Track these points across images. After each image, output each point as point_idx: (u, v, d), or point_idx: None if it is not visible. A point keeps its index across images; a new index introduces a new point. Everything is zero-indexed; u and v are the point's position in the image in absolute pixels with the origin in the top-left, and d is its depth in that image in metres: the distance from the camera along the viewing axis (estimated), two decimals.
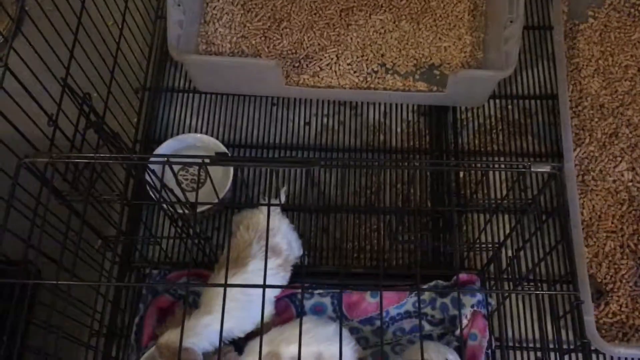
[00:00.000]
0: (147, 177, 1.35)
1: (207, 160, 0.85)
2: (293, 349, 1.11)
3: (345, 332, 1.17)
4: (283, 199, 1.27)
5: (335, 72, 1.57)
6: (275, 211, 1.23)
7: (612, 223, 1.39)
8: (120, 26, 1.36)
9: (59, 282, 0.88)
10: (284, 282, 1.23)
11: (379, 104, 1.61)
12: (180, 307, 1.25)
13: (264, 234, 1.18)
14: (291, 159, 0.79)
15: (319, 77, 1.57)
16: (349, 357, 1.14)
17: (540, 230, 0.98)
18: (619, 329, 1.30)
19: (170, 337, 1.13)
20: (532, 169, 0.86)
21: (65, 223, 1.05)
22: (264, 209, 1.23)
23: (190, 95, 1.60)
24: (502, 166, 0.92)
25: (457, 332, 1.26)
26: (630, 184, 1.43)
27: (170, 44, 1.39)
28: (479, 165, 1.36)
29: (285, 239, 1.24)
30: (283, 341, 1.12)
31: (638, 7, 1.62)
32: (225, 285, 0.86)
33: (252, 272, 1.15)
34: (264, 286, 0.86)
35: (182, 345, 1.10)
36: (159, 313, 1.28)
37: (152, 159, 1.25)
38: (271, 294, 1.22)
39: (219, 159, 0.84)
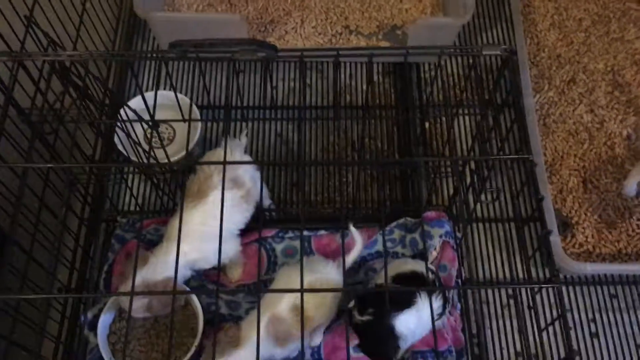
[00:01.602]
0: (117, 133, 1.36)
1: (172, 55, 0.85)
2: (288, 300, 1.08)
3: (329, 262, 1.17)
4: (244, 140, 1.27)
5: (301, 34, 1.61)
6: (238, 147, 1.24)
7: (574, 162, 1.43)
8: None
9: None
10: (247, 215, 1.22)
11: (344, 66, 1.65)
12: (142, 249, 1.23)
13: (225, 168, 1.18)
14: (249, 43, 0.80)
15: (284, 39, 1.60)
16: (337, 277, 1.14)
17: (497, 128, 1.00)
18: (586, 258, 1.32)
19: (137, 277, 1.12)
20: (483, 52, 0.89)
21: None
22: (225, 145, 1.24)
23: (156, 63, 1.62)
24: (457, 51, 0.93)
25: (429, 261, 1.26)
26: (589, 124, 1.47)
27: (135, 3, 1.42)
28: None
29: (248, 173, 1.24)
30: (275, 299, 1.10)
31: None
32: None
33: (213, 202, 1.14)
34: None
35: (160, 280, 1.11)
36: (127, 258, 1.27)
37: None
38: (235, 226, 1.21)
39: (178, 50, 0.85)
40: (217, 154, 1.22)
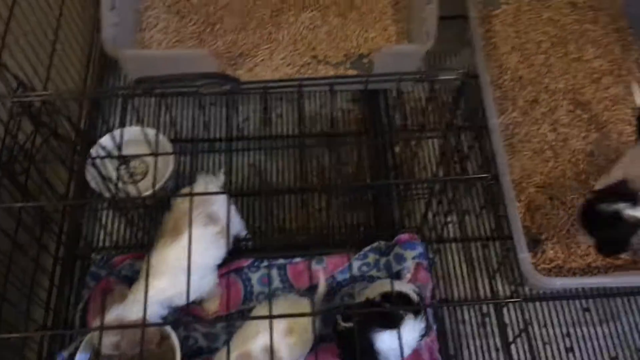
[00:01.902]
0: (89, 171, 1.38)
1: (138, 92, 0.88)
2: (261, 339, 1.09)
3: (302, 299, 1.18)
4: (222, 177, 1.29)
5: (270, 66, 1.64)
6: (213, 182, 1.26)
7: (540, 179, 1.46)
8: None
9: None
10: (224, 251, 1.23)
11: (314, 95, 1.68)
12: (117, 286, 1.23)
13: (200, 203, 1.20)
14: (212, 77, 0.83)
15: (254, 72, 1.63)
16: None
17: (459, 150, 1.03)
18: (557, 273, 1.34)
19: (112, 314, 1.12)
20: (439, 77, 0.92)
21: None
22: (201, 180, 1.26)
23: (130, 98, 1.64)
24: (415, 77, 0.96)
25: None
26: (553, 142, 1.51)
27: (105, 41, 1.45)
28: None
29: (223, 208, 1.25)
30: (249, 337, 1.11)
31: None
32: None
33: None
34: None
35: (134, 319, 1.11)
36: (102, 295, 1.27)
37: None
38: (212, 261, 1.22)
39: (144, 86, 0.87)
40: (196, 188, 1.23)
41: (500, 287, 1.40)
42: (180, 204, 1.21)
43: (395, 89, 1.64)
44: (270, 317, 0.81)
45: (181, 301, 1.18)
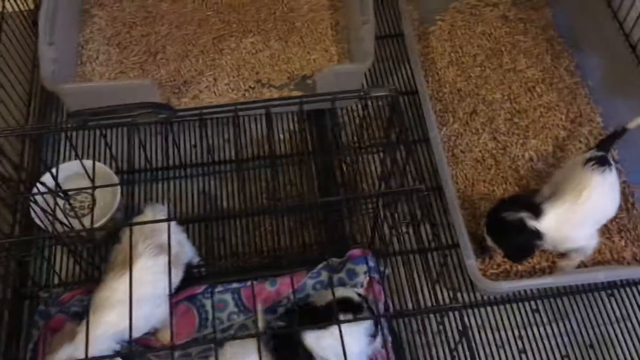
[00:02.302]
0: (33, 208, 1.35)
1: (69, 125, 0.87)
2: None
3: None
4: (164, 207, 1.29)
5: (214, 92, 1.66)
6: (161, 212, 1.26)
7: (484, 187, 1.51)
8: None
9: None
10: (176, 280, 1.23)
11: (261, 119, 1.70)
12: (68, 323, 1.21)
13: (149, 233, 1.20)
14: (147, 107, 0.84)
15: (199, 99, 1.64)
16: None
17: (396, 164, 1.06)
18: (505, 277, 1.38)
19: (63, 354, 1.10)
20: (371, 94, 0.96)
21: None
22: (148, 212, 1.26)
23: (74, 133, 1.62)
24: (348, 95, 0.99)
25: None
26: (494, 151, 1.56)
27: (44, 76, 1.44)
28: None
29: (174, 236, 1.25)
30: None
31: (477, 7, 1.83)
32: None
33: (140, 270, 1.15)
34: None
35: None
36: (53, 334, 1.25)
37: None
38: (164, 292, 1.21)
39: (77, 119, 0.87)
40: (143, 217, 1.23)
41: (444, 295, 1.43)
42: (129, 236, 1.21)
43: (340, 107, 1.68)
44: (215, 341, 0.81)
45: (135, 334, 1.17)
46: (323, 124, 1.67)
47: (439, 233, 0.98)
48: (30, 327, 1.28)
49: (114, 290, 1.13)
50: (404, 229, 1.40)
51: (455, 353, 0.99)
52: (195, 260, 1.39)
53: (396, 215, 1.16)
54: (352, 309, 1.10)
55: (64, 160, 1.57)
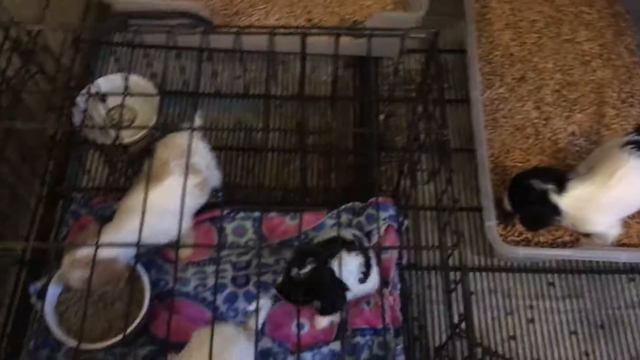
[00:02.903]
0: (76, 113, 1.40)
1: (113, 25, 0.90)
2: None
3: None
4: (199, 121, 1.32)
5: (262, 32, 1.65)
6: (195, 133, 1.28)
7: (519, 155, 1.48)
8: None
9: None
10: (200, 202, 1.27)
11: (307, 59, 1.70)
12: (93, 223, 1.27)
13: (182, 153, 1.23)
14: (189, 17, 0.85)
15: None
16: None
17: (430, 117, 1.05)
18: (524, 245, 1.36)
19: (85, 250, 1.15)
20: (410, 35, 0.95)
21: None
22: (184, 133, 1.29)
23: (124, 48, 1.66)
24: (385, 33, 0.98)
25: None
26: (536, 120, 1.52)
27: None
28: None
29: (204, 160, 1.29)
30: None
31: None
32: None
33: (169, 187, 1.19)
34: None
35: (106, 256, 1.14)
36: (80, 233, 1.31)
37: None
38: (187, 210, 1.24)
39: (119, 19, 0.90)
40: (175, 138, 1.26)
41: (469, 257, 1.43)
42: (162, 152, 1.24)
43: (391, 57, 1.66)
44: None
45: (153, 242, 1.21)
46: (366, 72, 1.66)
47: (453, 190, 0.97)
48: (61, 224, 1.34)
49: (140, 200, 1.17)
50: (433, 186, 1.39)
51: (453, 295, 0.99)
52: (219, 179, 1.41)
53: (420, 169, 1.15)
54: (346, 246, 1.13)
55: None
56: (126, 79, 1.30)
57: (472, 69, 1.47)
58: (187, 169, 1.00)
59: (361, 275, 1.14)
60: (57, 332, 1.18)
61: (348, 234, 1.18)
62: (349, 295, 1.14)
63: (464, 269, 0.87)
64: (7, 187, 1.22)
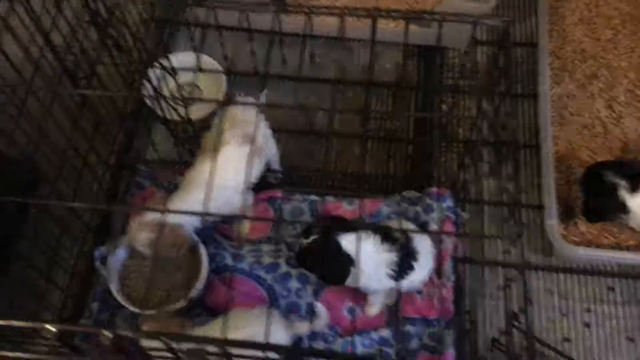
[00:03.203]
0: (146, 87, 1.44)
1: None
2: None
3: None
4: (263, 99, 1.34)
5: (333, 12, 1.66)
6: (252, 107, 1.31)
7: (586, 154, 1.44)
8: None
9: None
10: (258, 170, 1.29)
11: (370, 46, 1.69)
12: (160, 192, 1.31)
13: (239, 124, 1.25)
14: None
15: (314, 14, 1.65)
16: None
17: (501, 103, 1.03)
18: (585, 246, 1.33)
19: (150, 216, 1.19)
20: (481, 21, 0.93)
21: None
22: (239, 105, 1.31)
23: (197, 28, 1.70)
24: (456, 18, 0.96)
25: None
26: (606, 119, 1.48)
27: None
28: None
29: (260, 130, 1.31)
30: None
31: None
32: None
33: (227, 157, 1.21)
34: None
35: (173, 222, 1.18)
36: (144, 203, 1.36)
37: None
38: (244, 178, 1.26)
39: None
40: (231, 112, 1.28)
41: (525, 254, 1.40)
42: (219, 124, 1.27)
43: (457, 48, 1.63)
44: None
45: (216, 213, 1.24)
46: (431, 62, 1.65)
47: (518, 185, 0.95)
48: (126, 194, 1.39)
49: (202, 172, 1.20)
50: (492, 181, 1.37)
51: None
52: (276, 165, 1.43)
53: (480, 163, 1.14)
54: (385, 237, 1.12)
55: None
56: (197, 58, 1.35)
57: (541, 63, 1.43)
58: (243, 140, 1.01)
59: (391, 272, 1.12)
60: (119, 296, 1.22)
61: (402, 224, 1.16)
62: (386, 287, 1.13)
63: (524, 263, 0.85)
64: (80, 155, 1.27)
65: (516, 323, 0.88)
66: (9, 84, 1.01)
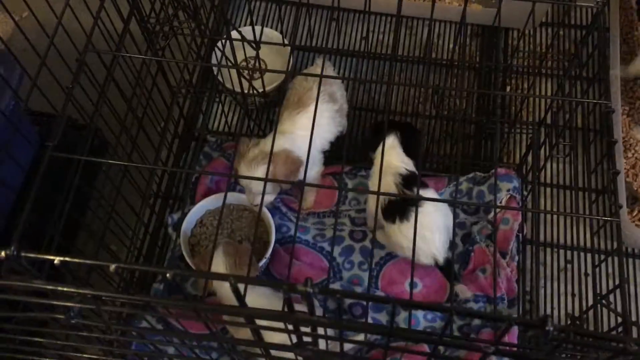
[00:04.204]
0: (215, 58, 1.46)
1: None
2: None
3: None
4: (330, 67, 1.37)
5: None
6: (330, 67, 1.33)
7: None
8: None
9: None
10: (341, 129, 1.32)
11: (434, 25, 1.69)
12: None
13: (322, 82, 1.27)
14: None
15: None
16: None
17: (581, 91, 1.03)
18: None
19: (256, 149, 1.19)
20: (577, 3, 0.93)
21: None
22: (318, 66, 1.33)
23: (259, 2, 1.72)
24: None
25: (490, 216, 1.32)
26: None
27: None
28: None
29: (340, 90, 1.33)
30: None
31: None
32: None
33: (312, 111, 1.23)
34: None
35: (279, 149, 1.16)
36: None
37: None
38: (330, 136, 1.29)
39: None
40: (312, 71, 1.31)
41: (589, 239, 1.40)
42: (302, 82, 1.29)
43: (519, 30, 1.62)
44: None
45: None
46: (495, 43, 1.64)
47: (615, 179, 0.95)
48: (194, 164, 1.42)
49: (293, 121, 1.22)
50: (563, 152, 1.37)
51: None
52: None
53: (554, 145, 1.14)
54: None
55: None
56: (261, 32, 1.36)
57: (613, 47, 1.42)
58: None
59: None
60: (191, 262, 1.26)
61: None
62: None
63: (619, 243, 0.86)
64: (156, 123, 1.30)
65: (604, 302, 0.88)
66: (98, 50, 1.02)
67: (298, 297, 0.66)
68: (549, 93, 1.55)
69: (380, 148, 1.22)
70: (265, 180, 0.90)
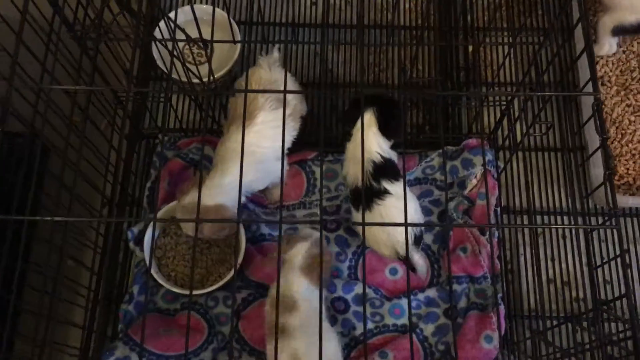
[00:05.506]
0: (156, 47, 1.33)
1: None
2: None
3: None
4: (276, 54, 1.25)
5: None
6: (275, 64, 1.22)
7: (617, 88, 1.39)
8: None
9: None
10: (294, 133, 1.23)
11: None
12: (191, 170, 1.24)
13: (267, 86, 1.18)
14: None
15: None
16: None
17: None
18: (626, 190, 1.31)
19: (194, 197, 1.12)
20: None
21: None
22: (264, 63, 1.22)
23: None
24: None
25: (466, 191, 1.28)
26: None
27: None
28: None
29: (293, 86, 1.24)
30: None
31: None
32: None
33: (262, 123, 1.14)
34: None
35: (215, 203, 1.11)
36: (170, 177, 1.29)
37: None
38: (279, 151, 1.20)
39: None
40: (256, 75, 1.20)
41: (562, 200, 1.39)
42: (253, 77, 1.19)
43: None
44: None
45: (259, 186, 1.19)
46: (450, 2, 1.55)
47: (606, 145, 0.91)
48: (149, 166, 1.32)
49: (239, 142, 1.12)
50: (539, 130, 1.32)
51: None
52: (306, 108, 1.35)
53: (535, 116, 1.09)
54: None
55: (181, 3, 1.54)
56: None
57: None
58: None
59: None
60: (159, 278, 1.18)
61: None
62: None
63: (614, 209, 0.82)
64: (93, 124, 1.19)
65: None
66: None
67: None
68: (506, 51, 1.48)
69: (358, 124, 1.14)
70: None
